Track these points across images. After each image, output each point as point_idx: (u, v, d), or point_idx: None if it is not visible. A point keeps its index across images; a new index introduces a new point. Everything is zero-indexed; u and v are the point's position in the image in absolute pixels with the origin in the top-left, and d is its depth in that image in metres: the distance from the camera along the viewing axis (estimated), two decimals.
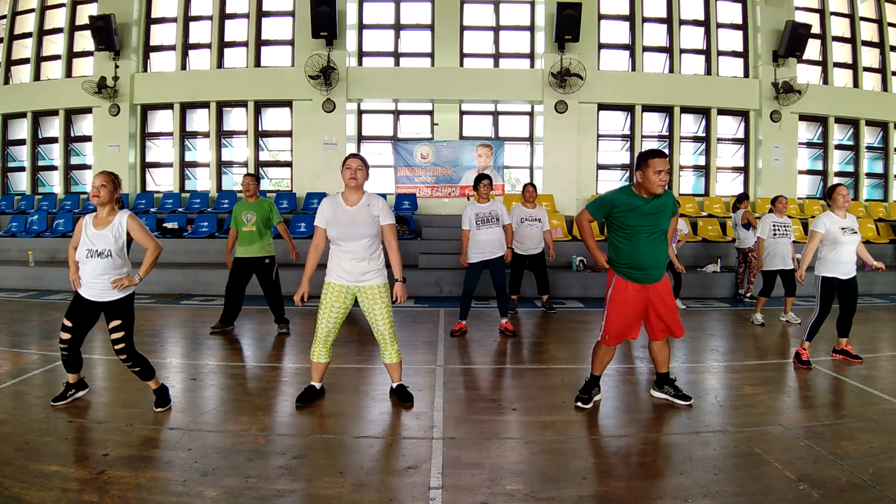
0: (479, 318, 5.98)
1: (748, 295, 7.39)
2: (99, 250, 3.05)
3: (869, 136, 11.31)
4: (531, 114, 10.66)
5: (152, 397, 3.30)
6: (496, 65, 10.60)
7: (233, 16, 10.63)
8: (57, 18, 11.07)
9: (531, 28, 10.58)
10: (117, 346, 3.15)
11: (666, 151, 3.18)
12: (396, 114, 10.68)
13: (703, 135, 10.78)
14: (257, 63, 10.52)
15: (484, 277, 5.33)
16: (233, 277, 5.25)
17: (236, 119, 10.84)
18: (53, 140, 10.99)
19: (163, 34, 10.78)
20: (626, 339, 4.82)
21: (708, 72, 10.65)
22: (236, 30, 10.63)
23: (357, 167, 3.22)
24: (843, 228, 4.18)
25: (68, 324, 3.16)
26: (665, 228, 3.18)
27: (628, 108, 10.56)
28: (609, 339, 3.27)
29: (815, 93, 10.23)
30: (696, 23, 10.73)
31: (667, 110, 10.63)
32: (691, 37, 10.79)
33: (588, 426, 3.13)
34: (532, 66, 10.49)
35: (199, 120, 10.83)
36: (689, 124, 10.91)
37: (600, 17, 10.46)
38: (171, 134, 10.67)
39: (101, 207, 3.12)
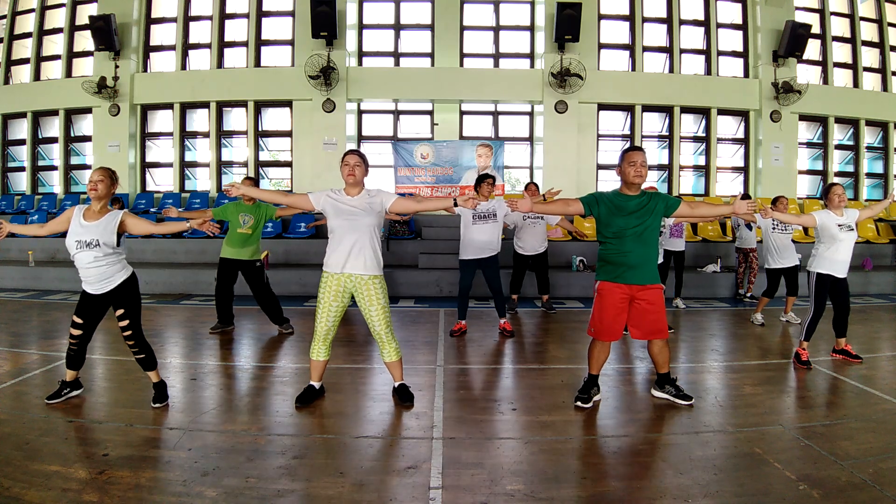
0: (479, 318, 5.98)
1: (748, 295, 7.39)
2: (87, 241, 3.07)
3: (869, 136, 11.30)
4: (531, 114, 10.66)
5: (152, 396, 3.31)
6: (496, 65, 10.60)
7: (233, 16, 10.63)
8: (57, 18, 11.07)
9: (531, 28, 10.58)
10: (125, 333, 3.21)
11: (642, 146, 3.22)
12: (396, 114, 10.68)
13: (703, 135, 10.78)
14: (257, 63, 10.52)
15: (483, 278, 5.33)
16: (222, 279, 5.21)
17: (236, 119, 10.84)
18: (53, 140, 10.99)
19: (163, 34, 10.78)
20: (625, 340, 4.90)
21: (708, 72, 10.65)
22: (236, 30, 10.63)
23: (355, 163, 3.23)
24: (839, 225, 4.19)
25: (78, 321, 3.19)
26: (651, 227, 3.19)
27: (628, 108, 10.56)
28: (597, 332, 3.31)
29: (815, 93, 10.23)
30: (696, 23, 10.73)
31: (667, 110, 10.63)
32: (691, 37, 10.79)
33: (588, 426, 3.13)
34: (532, 66, 10.49)
35: (199, 120, 10.83)
36: (689, 124, 10.92)
37: (600, 17, 10.46)
38: (171, 134, 10.67)
39: (96, 201, 3.15)
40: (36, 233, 3.33)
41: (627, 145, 10.38)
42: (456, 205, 3.26)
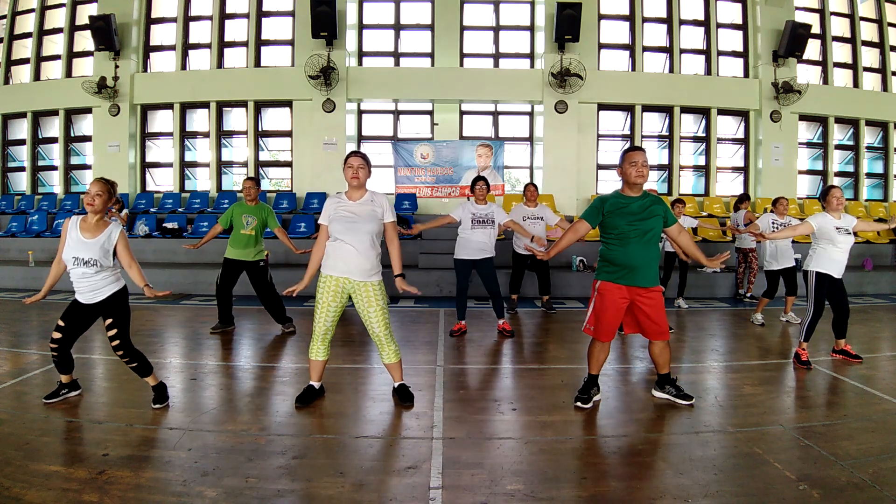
0: (479, 318, 5.98)
1: (748, 295, 7.39)
2: (85, 259, 3.10)
3: (869, 136, 11.31)
4: (531, 114, 10.66)
5: (152, 396, 3.32)
6: (496, 65, 10.60)
7: (233, 16, 10.63)
8: (57, 18, 11.08)
9: (531, 28, 10.58)
10: (113, 343, 3.23)
11: (642, 146, 3.26)
12: (396, 114, 10.68)
13: (703, 135, 10.78)
14: (257, 63, 10.52)
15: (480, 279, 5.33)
16: (224, 279, 5.24)
17: (236, 119, 10.84)
18: (53, 140, 11.00)
19: (163, 34, 10.79)
20: (626, 339, 4.90)
21: (708, 72, 10.65)
22: (236, 30, 10.63)
23: (359, 165, 3.23)
24: (837, 228, 4.20)
25: (61, 324, 3.22)
26: (655, 230, 3.21)
27: (628, 108, 10.56)
28: (596, 332, 3.30)
29: (815, 93, 10.23)
30: (696, 23, 10.73)
31: (667, 110, 10.63)
32: (691, 37, 10.79)
33: (588, 426, 3.13)
34: (532, 66, 10.49)
35: (199, 120, 10.83)
36: (689, 124, 10.92)
37: (600, 17, 10.47)
38: (171, 134, 10.67)
39: (92, 215, 3.15)
40: (57, 268, 3.28)
41: (627, 145, 10.41)
42: (404, 276, 3.36)
